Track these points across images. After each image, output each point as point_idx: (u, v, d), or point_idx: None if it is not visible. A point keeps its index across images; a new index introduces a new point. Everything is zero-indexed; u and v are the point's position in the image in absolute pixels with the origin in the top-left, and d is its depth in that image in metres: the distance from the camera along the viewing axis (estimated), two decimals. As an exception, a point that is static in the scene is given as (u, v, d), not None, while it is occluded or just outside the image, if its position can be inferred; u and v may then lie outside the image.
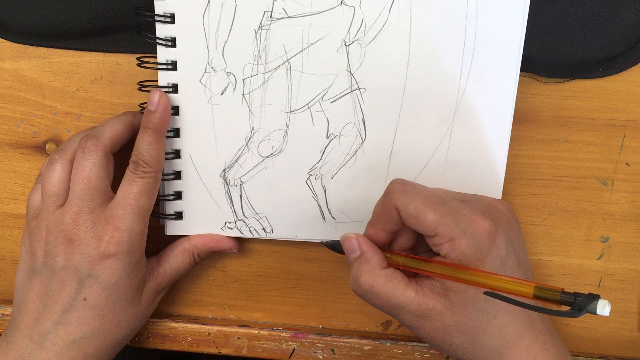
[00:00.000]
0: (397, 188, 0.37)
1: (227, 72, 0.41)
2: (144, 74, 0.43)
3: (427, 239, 0.38)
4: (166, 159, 0.42)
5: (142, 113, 0.41)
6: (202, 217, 0.44)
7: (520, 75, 0.40)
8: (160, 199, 0.43)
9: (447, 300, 0.37)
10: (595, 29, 0.41)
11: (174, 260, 0.44)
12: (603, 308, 0.29)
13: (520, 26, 0.39)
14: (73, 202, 0.40)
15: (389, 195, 0.38)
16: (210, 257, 0.47)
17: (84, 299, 0.40)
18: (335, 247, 0.42)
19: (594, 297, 0.30)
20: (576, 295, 0.31)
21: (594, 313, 0.29)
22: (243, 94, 0.42)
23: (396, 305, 0.37)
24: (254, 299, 0.47)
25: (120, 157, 0.42)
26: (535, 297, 0.32)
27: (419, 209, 0.36)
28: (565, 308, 0.31)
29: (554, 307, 0.32)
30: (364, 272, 0.38)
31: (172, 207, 0.44)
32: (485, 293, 0.33)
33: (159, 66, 0.41)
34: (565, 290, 0.32)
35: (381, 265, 0.38)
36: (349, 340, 0.46)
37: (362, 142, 0.42)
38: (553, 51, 0.42)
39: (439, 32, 0.40)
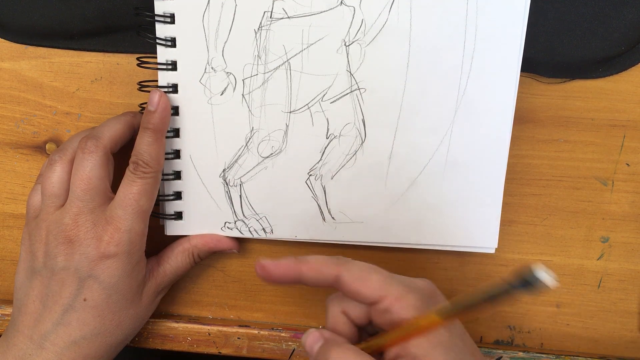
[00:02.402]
0: (344, 266, 0.36)
1: (227, 72, 0.41)
2: (144, 74, 0.43)
3: (373, 309, 0.35)
4: (166, 159, 0.42)
5: (142, 113, 0.41)
6: (201, 217, 0.44)
7: (520, 76, 0.40)
8: (160, 199, 0.43)
9: None
10: (595, 29, 0.41)
11: (174, 260, 0.44)
12: (542, 273, 0.27)
13: (520, 26, 0.39)
14: (73, 203, 0.40)
15: (338, 264, 0.36)
16: (210, 257, 0.47)
17: (84, 300, 0.40)
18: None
19: (530, 272, 0.27)
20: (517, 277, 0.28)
21: (537, 282, 0.26)
22: (243, 94, 0.42)
23: None
24: (254, 299, 0.47)
25: (120, 158, 0.42)
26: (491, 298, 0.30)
27: (364, 270, 0.35)
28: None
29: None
30: (332, 349, 0.34)
31: (172, 207, 0.44)
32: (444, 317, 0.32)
33: (159, 66, 0.41)
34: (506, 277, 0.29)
35: (349, 343, 0.36)
36: (349, 340, 0.46)
37: (362, 143, 0.42)
38: (553, 51, 0.42)
39: (439, 32, 0.40)
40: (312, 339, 0.36)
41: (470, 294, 0.30)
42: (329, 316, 0.37)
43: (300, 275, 0.37)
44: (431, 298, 0.35)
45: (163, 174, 0.42)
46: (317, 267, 0.37)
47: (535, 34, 0.41)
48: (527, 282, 0.27)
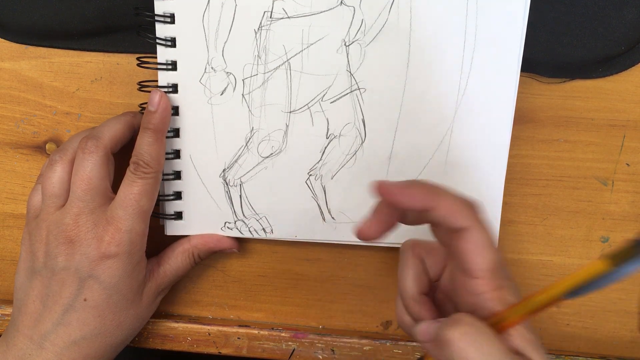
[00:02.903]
0: (481, 212, 0.33)
1: (227, 72, 0.41)
2: (144, 74, 0.42)
3: (462, 283, 0.33)
4: (166, 159, 0.42)
5: (142, 113, 0.41)
6: (202, 217, 0.44)
7: (520, 76, 0.40)
8: (160, 199, 0.43)
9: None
10: (595, 29, 0.41)
11: (174, 260, 0.44)
12: None
13: (520, 26, 0.39)
14: (73, 203, 0.40)
15: (472, 208, 0.33)
16: (210, 257, 0.47)
17: (85, 300, 0.40)
18: None
19: None
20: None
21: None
22: (243, 94, 0.42)
23: None
24: (254, 299, 0.47)
25: (120, 158, 0.42)
26: (617, 264, 0.27)
27: (491, 242, 0.33)
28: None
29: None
30: (456, 326, 0.31)
31: (172, 207, 0.44)
32: (568, 296, 0.29)
33: (159, 66, 0.41)
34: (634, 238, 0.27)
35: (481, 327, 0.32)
36: (349, 340, 0.46)
37: (362, 142, 0.42)
38: (553, 51, 0.42)
39: (439, 32, 0.40)
40: (425, 325, 0.34)
41: (600, 269, 0.28)
42: (404, 261, 0.36)
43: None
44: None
45: (163, 174, 0.42)
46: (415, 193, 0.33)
47: (535, 34, 0.41)
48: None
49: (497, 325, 0.32)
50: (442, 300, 0.37)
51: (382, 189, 0.33)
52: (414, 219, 0.35)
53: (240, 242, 0.46)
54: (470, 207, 0.33)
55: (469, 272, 0.33)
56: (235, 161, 0.43)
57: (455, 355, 0.30)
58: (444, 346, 0.31)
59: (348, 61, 0.41)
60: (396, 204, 0.33)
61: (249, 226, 0.44)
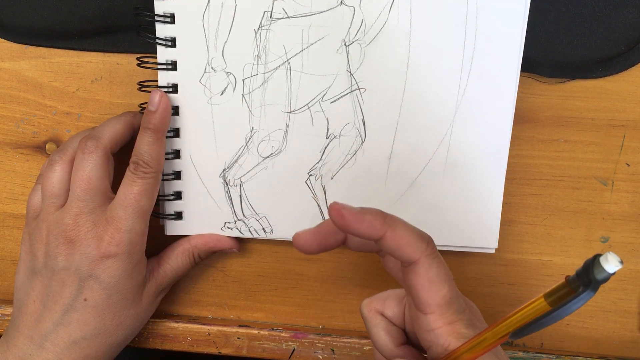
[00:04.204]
0: (433, 244, 0.33)
1: (227, 72, 0.41)
2: (144, 74, 0.43)
3: (416, 319, 0.33)
4: (166, 159, 0.42)
5: (142, 113, 0.41)
6: (202, 217, 0.44)
7: (520, 76, 0.40)
8: (160, 199, 0.43)
9: None
10: (595, 29, 0.41)
11: (174, 260, 0.44)
12: (611, 264, 0.26)
13: (520, 26, 0.39)
14: (73, 203, 0.40)
15: (425, 240, 0.32)
16: (210, 257, 0.47)
17: (85, 300, 0.40)
18: None
19: (594, 259, 0.26)
20: (577, 273, 0.27)
21: (609, 275, 0.26)
22: (243, 94, 0.42)
23: None
24: (254, 299, 0.47)
25: (120, 157, 0.42)
26: (551, 303, 0.29)
27: (443, 274, 0.32)
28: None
29: (571, 296, 0.27)
30: None
31: (172, 207, 0.44)
32: (512, 336, 0.29)
33: (159, 66, 0.41)
34: (568, 275, 0.28)
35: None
36: (349, 340, 0.46)
37: (362, 142, 0.42)
38: (553, 51, 0.42)
39: (439, 32, 0.40)
40: None
41: (539, 307, 0.28)
42: (369, 323, 0.36)
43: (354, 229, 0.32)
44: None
45: (163, 174, 0.42)
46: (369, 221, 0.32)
47: (535, 34, 0.41)
48: (593, 282, 0.25)
49: None
50: (416, 340, 0.36)
51: (336, 212, 0.31)
52: (359, 246, 0.35)
53: (240, 242, 0.46)
54: (422, 239, 0.32)
55: (421, 307, 0.32)
56: (235, 161, 0.43)
57: None
58: None
59: (348, 61, 0.41)
60: (348, 229, 0.32)
61: (249, 226, 0.44)
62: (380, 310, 0.36)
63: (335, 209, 0.31)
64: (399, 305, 0.36)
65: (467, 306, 0.34)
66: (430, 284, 0.32)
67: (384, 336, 0.35)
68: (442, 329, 0.32)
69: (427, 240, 0.32)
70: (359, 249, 0.35)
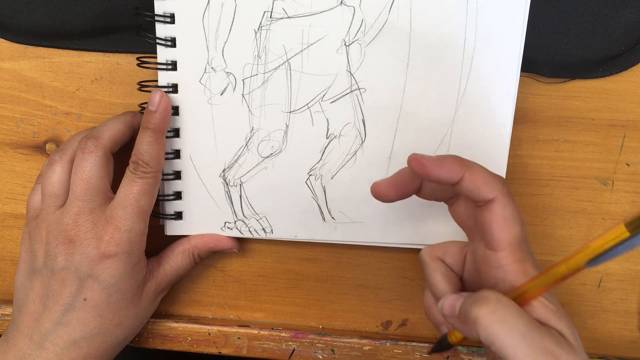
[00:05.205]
0: (507, 187, 0.35)
1: (227, 72, 0.41)
2: (144, 74, 0.43)
3: (485, 258, 0.35)
4: (166, 159, 0.42)
5: (142, 113, 0.41)
6: (201, 217, 0.44)
7: (520, 76, 0.40)
8: (160, 199, 0.43)
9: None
10: (595, 29, 0.41)
11: (174, 260, 0.44)
12: None
13: (520, 26, 0.39)
14: (73, 203, 0.40)
15: (500, 181, 0.34)
16: (210, 257, 0.47)
17: (84, 300, 0.40)
18: (443, 343, 0.38)
19: None
20: None
21: None
22: (243, 94, 0.42)
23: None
24: (254, 299, 0.47)
25: (120, 157, 0.42)
26: (631, 230, 0.29)
27: (517, 215, 0.34)
28: None
29: None
30: (482, 302, 0.32)
31: (172, 207, 0.44)
32: (588, 264, 0.30)
33: (159, 66, 0.41)
34: None
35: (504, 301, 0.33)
36: (349, 340, 0.46)
37: (362, 142, 0.42)
38: (553, 51, 0.42)
39: (439, 32, 0.40)
40: (451, 300, 0.35)
41: (619, 236, 0.29)
42: (429, 267, 0.37)
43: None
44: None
45: (163, 174, 0.42)
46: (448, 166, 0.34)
47: (535, 33, 0.41)
48: None
49: (520, 297, 0.32)
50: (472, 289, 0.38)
51: (416, 161, 0.34)
52: (433, 192, 0.37)
53: (240, 242, 0.46)
54: (499, 180, 0.34)
55: (493, 245, 0.34)
56: (235, 161, 0.43)
57: (483, 333, 0.31)
58: (471, 324, 0.32)
59: (348, 61, 0.41)
60: (429, 176, 0.34)
61: (249, 226, 0.44)
62: (441, 257, 0.38)
63: (415, 159, 0.34)
64: (459, 253, 0.38)
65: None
66: (505, 222, 0.34)
67: (442, 280, 0.37)
68: (512, 265, 0.33)
69: (502, 180, 0.34)
70: (432, 196, 0.38)
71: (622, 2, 0.40)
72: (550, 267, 0.32)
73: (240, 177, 0.43)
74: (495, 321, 0.31)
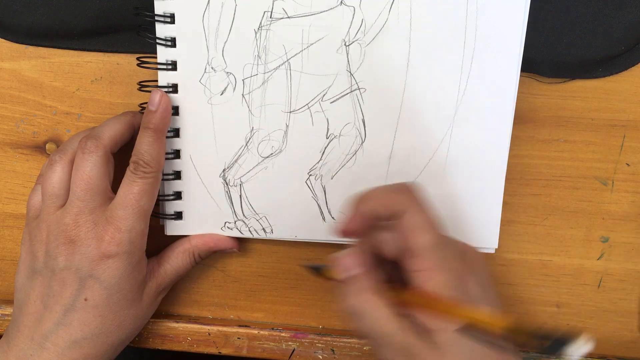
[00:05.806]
0: (416, 194, 0.36)
1: (227, 72, 0.41)
2: (144, 74, 0.43)
3: (403, 258, 0.35)
4: (166, 159, 0.42)
5: (142, 113, 0.41)
6: (202, 217, 0.44)
7: (520, 76, 0.40)
8: (160, 199, 0.43)
9: (430, 340, 0.33)
10: (595, 29, 0.41)
11: (175, 260, 0.44)
12: (578, 348, 0.27)
13: (520, 26, 0.39)
14: (73, 203, 0.40)
15: (404, 192, 0.36)
16: (210, 257, 0.47)
17: (85, 300, 0.40)
18: (318, 270, 0.40)
19: (566, 339, 0.27)
20: (552, 336, 0.28)
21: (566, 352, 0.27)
22: (243, 94, 0.42)
23: (380, 335, 0.34)
24: (254, 299, 0.47)
25: (120, 157, 0.42)
26: (508, 332, 0.30)
27: (426, 223, 0.35)
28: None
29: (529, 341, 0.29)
30: (356, 292, 0.35)
31: (172, 207, 0.44)
32: (458, 330, 0.31)
33: (159, 66, 0.41)
34: (541, 328, 0.29)
35: (373, 289, 0.35)
36: (349, 340, 0.46)
37: (362, 142, 0.42)
38: (553, 51, 0.42)
39: (439, 32, 0.40)
40: (346, 264, 0.36)
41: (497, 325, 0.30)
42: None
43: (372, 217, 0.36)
44: (464, 281, 0.34)
45: (163, 174, 0.42)
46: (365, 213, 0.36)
47: (535, 33, 0.41)
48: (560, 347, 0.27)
49: (406, 302, 0.34)
50: None
51: (344, 233, 0.37)
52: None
53: (240, 242, 0.46)
54: (404, 191, 0.35)
55: (409, 252, 0.35)
56: (235, 161, 0.43)
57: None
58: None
59: (348, 61, 0.41)
60: (362, 231, 0.37)
61: (249, 226, 0.44)
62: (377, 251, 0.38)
63: (342, 232, 0.37)
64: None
65: (465, 258, 0.36)
66: (416, 230, 0.34)
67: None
68: (419, 272, 0.34)
69: (408, 191, 0.36)
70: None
71: (622, 2, 0.40)
72: (436, 297, 0.33)
73: (240, 177, 0.43)
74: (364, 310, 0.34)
